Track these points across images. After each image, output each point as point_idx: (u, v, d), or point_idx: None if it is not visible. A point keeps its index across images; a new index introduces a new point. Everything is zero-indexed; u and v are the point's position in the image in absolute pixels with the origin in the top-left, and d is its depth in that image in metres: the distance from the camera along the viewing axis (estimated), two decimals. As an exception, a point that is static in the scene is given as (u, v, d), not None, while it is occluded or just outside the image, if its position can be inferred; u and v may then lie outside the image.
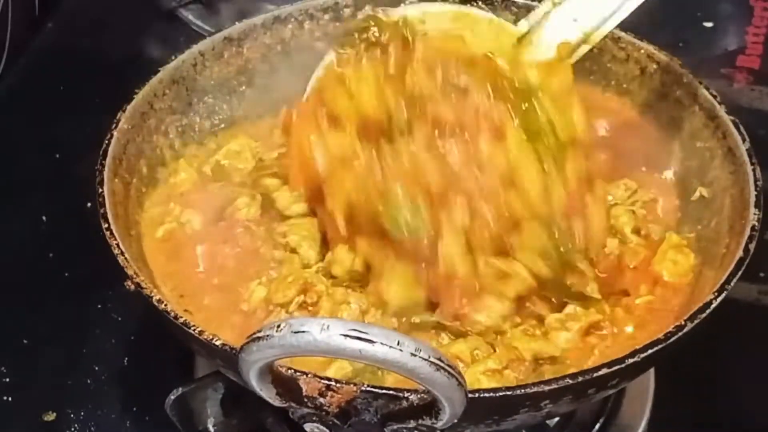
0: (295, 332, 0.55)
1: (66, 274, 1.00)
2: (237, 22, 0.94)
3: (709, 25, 1.32)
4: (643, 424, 0.87)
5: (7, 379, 0.91)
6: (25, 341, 0.95)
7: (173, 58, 0.89)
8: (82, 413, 0.89)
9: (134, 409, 0.89)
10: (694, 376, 0.90)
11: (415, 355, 0.54)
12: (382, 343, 0.54)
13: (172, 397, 0.77)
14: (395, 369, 0.55)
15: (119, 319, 0.96)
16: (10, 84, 1.22)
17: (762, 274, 1.00)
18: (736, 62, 1.27)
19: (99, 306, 0.97)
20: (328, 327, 0.54)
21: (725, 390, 0.91)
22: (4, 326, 0.96)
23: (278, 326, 0.56)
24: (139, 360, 0.93)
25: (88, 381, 0.92)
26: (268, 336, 0.56)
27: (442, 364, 0.55)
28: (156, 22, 1.15)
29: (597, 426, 0.86)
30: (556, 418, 0.85)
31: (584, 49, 0.87)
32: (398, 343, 0.54)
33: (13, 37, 1.21)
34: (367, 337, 0.54)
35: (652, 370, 0.88)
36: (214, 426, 0.79)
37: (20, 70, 1.23)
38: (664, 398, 0.88)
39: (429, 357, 0.55)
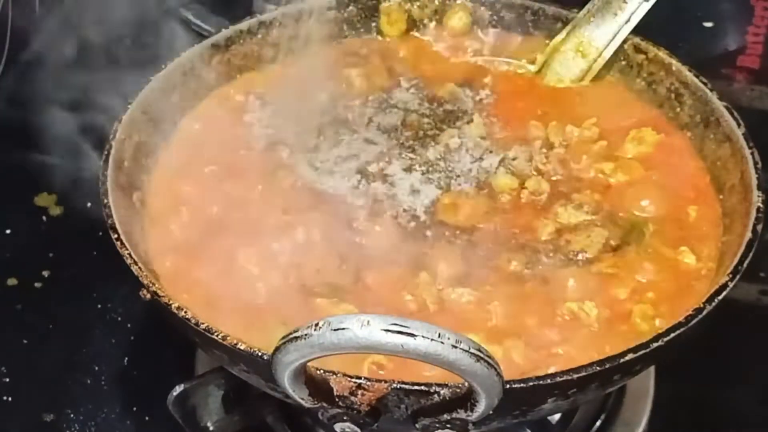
0: (335, 330, 0.54)
1: (66, 274, 1.00)
2: (224, 29, 0.94)
3: (709, 25, 1.31)
4: (644, 422, 0.87)
5: (7, 379, 0.91)
6: (25, 341, 0.95)
7: (163, 66, 0.89)
8: (82, 413, 0.89)
9: (134, 408, 0.89)
10: (694, 376, 0.90)
11: (456, 347, 0.54)
12: (423, 336, 0.53)
13: (174, 394, 0.77)
14: (436, 362, 0.54)
15: (119, 319, 0.96)
16: (10, 84, 1.22)
17: (762, 274, 1.00)
18: (736, 62, 1.27)
19: (99, 306, 0.97)
20: (368, 323, 0.53)
21: (725, 390, 0.91)
22: (4, 326, 0.96)
23: (316, 325, 0.54)
24: (139, 360, 0.94)
25: (88, 381, 0.92)
26: (306, 335, 0.55)
27: (481, 355, 0.55)
28: (156, 22, 1.15)
29: (598, 424, 0.86)
30: (558, 416, 0.86)
31: (599, 64, 0.94)
32: (439, 336, 0.54)
33: (13, 37, 1.21)
34: (409, 331, 0.53)
35: (652, 370, 0.88)
36: (215, 423, 0.79)
37: (20, 70, 1.23)
38: (665, 397, 0.88)
39: (469, 348, 0.54)
